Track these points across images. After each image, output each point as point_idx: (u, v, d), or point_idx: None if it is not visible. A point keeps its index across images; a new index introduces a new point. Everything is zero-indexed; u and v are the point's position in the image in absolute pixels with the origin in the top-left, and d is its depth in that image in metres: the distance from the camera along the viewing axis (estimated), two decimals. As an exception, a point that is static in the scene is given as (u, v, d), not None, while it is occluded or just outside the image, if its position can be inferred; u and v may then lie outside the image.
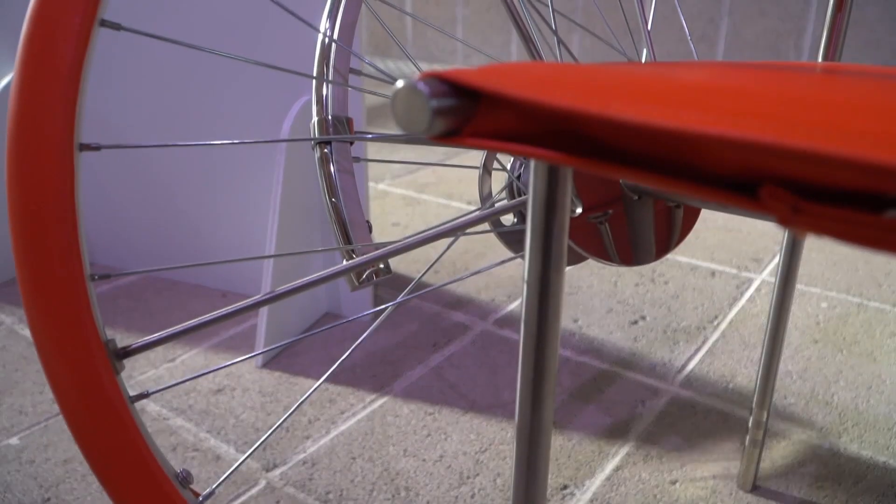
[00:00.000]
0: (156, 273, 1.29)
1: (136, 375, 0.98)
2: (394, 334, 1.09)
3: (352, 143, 0.51)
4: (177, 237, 1.24)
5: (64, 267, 0.38)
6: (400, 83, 0.25)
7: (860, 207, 0.21)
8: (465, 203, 1.66)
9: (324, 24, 0.51)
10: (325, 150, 0.51)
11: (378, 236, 1.45)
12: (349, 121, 0.51)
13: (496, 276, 1.29)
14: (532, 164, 0.30)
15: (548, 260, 0.33)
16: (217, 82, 1.10)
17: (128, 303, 1.18)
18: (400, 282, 1.26)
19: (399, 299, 0.45)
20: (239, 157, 1.14)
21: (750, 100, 0.23)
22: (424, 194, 1.72)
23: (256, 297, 0.43)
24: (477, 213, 0.45)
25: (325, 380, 0.98)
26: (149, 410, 0.91)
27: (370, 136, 0.48)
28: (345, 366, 1.01)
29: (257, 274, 1.20)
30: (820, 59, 0.63)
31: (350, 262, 0.45)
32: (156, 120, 1.16)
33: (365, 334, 0.49)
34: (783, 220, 0.22)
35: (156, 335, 0.41)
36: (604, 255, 0.47)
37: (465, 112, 0.26)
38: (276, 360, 1.02)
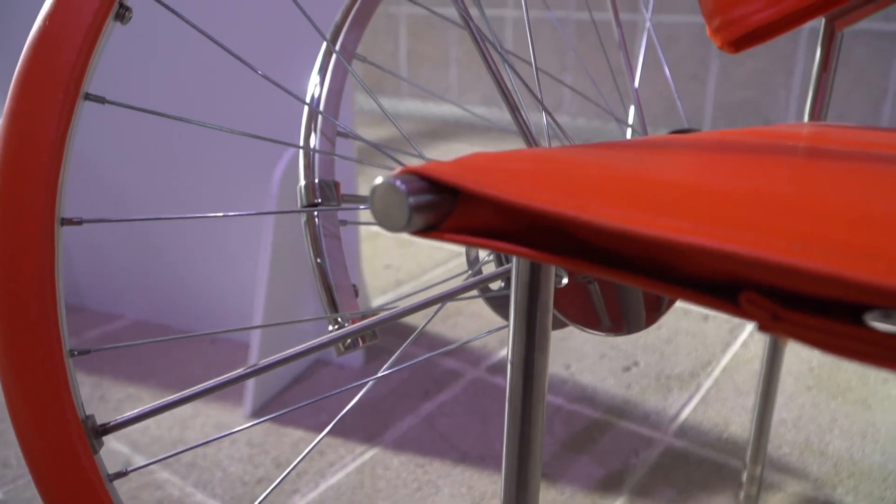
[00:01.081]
0: (144, 318, 1.28)
1: (123, 426, 0.97)
2: (385, 382, 1.08)
3: (338, 207, 0.51)
4: (166, 284, 1.24)
5: (42, 344, 0.37)
6: (378, 180, 0.25)
7: (840, 317, 0.21)
8: (458, 245, 1.66)
9: (311, 89, 0.52)
10: (314, 214, 0.51)
11: (370, 280, 1.45)
12: (336, 185, 0.51)
13: (487, 320, 1.28)
14: (514, 257, 0.30)
15: (531, 340, 0.33)
16: (206, 131, 1.10)
17: (115, 350, 1.17)
18: (391, 324, 1.25)
19: (381, 373, 0.44)
20: (229, 204, 1.14)
21: (729, 202, 0.23)
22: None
23: (241, 371, 0.42)
24: (464, 281, 0.45)
25: (315, 430, 0.97)
26: (135, 462, 0.90)
27: (362, 206, 0.48)
28: (334, 414, 1.00)
29: (247, 319, 1.19)
30: (806, 118, 0.63)
31: (336, 332, 0.44)
32: (145, 168, 1.17)
33: (345, 410, 0.48)
34: (763, 327, 0.22)
35: (136, 412, 0.41)
36: (593, 322, 0.46)
37: (444, 207, 0.26)
38: (265, 411, 1.01)
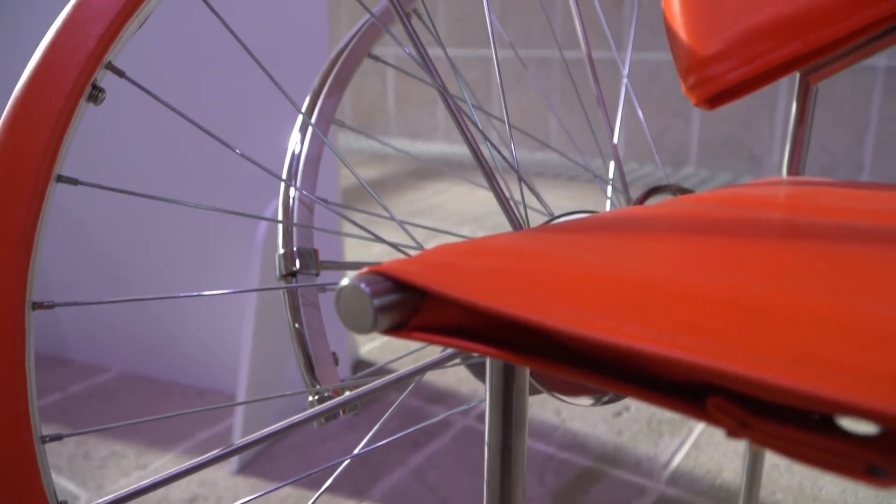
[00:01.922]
0: (131, 370, 1.27)
1: (108, 485, 0.95)
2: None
3: (317, 275, 0.51)
4: (153, 336, 1.23)
5: (12, 431, 0.37)
6: (344, 281, 0.25)
7: (811, 425, 0.21)
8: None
9: (288, 155, 0.52)
10: (292, 282, 0.51)
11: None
12: (315, 252, 0.51)
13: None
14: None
15: (508, 425, 0.33)
16: (191, 180, 1.10)
17: (100, 404, 1.16)
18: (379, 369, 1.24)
19: (357, 451, 0.43)
20: (213, 255, 1.13)
21: (696, 304, 0.23)
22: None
23: (221, 450, 0.42)
24: (442, 351, 0.45)
25: (302, 486, 0.95)
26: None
27: (331, 283, 0.48)
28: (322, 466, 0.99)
29: (233, 372, 1.18)
30: (784, 172, 0.64)
31: (317, 408, 0.44)
32: (129, 223, 1.16)
33: (322, 489, 0.47)
34: (731, 433, 0.22)
35: (118, 494, 0.40)
36: (575, 390, 0.46)
37: (411, 305, 0.26)
38: (252, 465, 1.00)
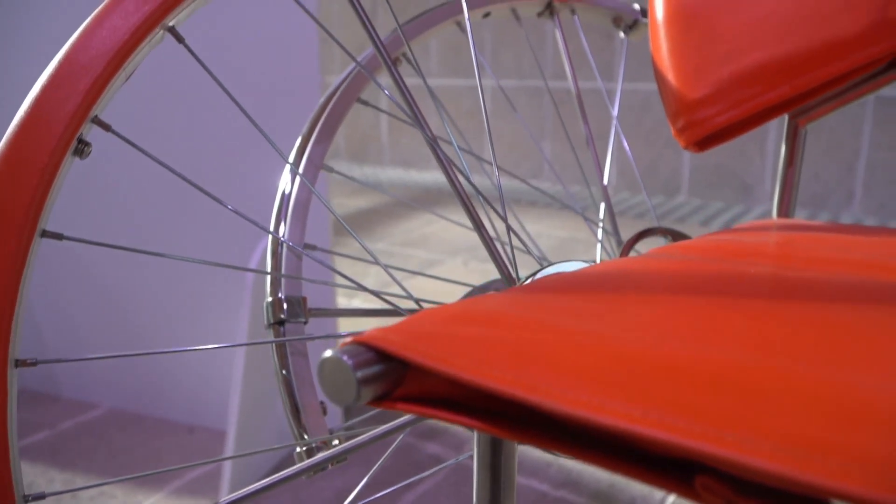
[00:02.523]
0: (121, 406, 1.25)
1: (95, 527, 0.94)
2: (364, 471, 1.06)
3: (306, 323, 0.50)
4: (143, 372, 1.22)
5: (-8, 493, 0.36)
6: (327, 353, 0.25)
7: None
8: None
9: (276, 204, 0.51)
10: (280, 330, 0.51)
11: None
12: (303, 300, 0.50)
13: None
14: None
15: (497, 491, 0.32)
16: (183, 212, 1.10)
17: (90, 441, 1.14)
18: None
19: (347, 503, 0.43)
20: (207, 290, 1.13)
21: (683, 379, 0.23)
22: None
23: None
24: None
25: (293, 526, 0.94)
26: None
27: (319, 336, 0.47)
28: (314, 509, 0.97)
29: (224, 407, 1.17)
30: (774, 213, 0.64)
31: (305, 462, 0.43)
32: (122, 257, 1.16)
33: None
34: (721, 513, 0.21)
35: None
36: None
37: (395, 375, 0.25)
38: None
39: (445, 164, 0.43)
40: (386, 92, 0.47)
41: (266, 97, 1.05)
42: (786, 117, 0.63)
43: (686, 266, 0.37)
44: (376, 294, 0.48)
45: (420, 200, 2.70)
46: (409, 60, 0.61)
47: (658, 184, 2.57)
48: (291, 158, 0.54)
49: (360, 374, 0.24)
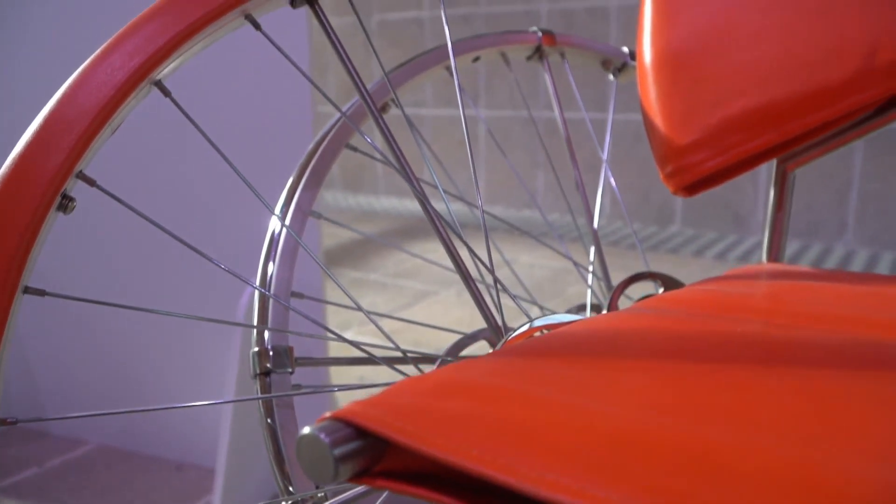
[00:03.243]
0: (109, 443, 1.24)
1: (80, 570, 0.92)
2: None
3: (292, 373, 0.50)
4: (130, 407, 1.20)
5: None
6: (305, 430, 0.24)
7: None
8: (433, 350, 1.64)
9: (265, 250, 0.51)
10: (266, 381, 0.50)
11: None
12: (290, 350, 0.50)
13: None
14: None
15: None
16: (168, 259, 1.10)
17: (78, 479, 1.13)
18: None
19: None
20: (194, 332, 1.12)
21: (667, 460, 0.22)
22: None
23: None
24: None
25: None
26: None
27: (307, 389, 0.47)
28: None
29: (213, 444, 1.16)
30: (764, 257, 0.64)
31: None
32: (114, 291, 1.15)
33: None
34: None
35: None
36: None
37: (375, 450, 0.25)
38: (231, 546, 0.97)
39: (433, 216, 0.43)
40: (373, 144, 0.47)
41: (258, 139, 1.05)
42: (774, 161, 0.63)
43: (673, 326, 0.37)
44: (357, 346, 0.47)
45: (415, 230, 2.70)
46: (396, 104, 0.62)
47: (651, 213, 2.58)
48: (280, 204, 0.54)
49: (337, 451, 0.24)
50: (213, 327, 1.11)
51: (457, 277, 2.09)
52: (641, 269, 2.11)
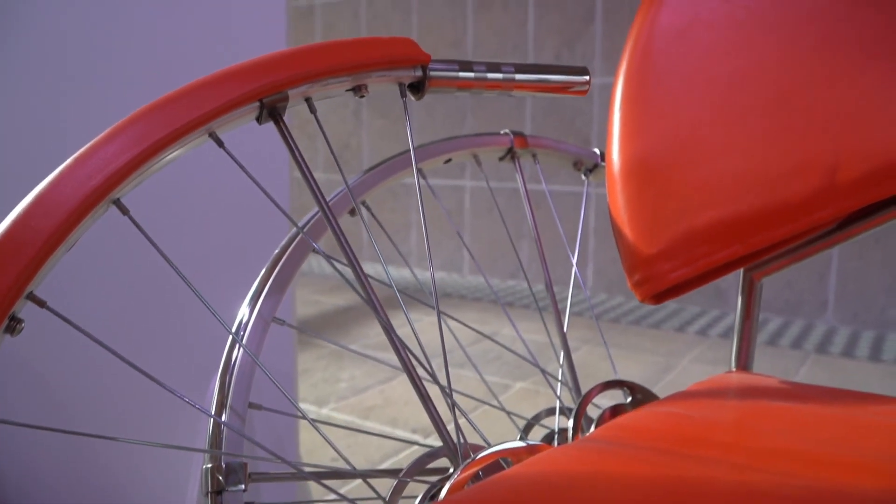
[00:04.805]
0: (72, 526, 1.20)
1: None
2: None
3: (245, 490, 0.49)
4: (98, 485, 1.17)
5: None
6: None
7: None
8: (409, 430, 1.62)
9: (221, 369, 0.50)
10: (218, 500, 0.49)
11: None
12: (244, 466, 0.49)
13: None
14: None
15: None
16: (141, 333, 1.09)
17: (36, 566, 1.09)
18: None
19: None
20: (163, 411, 1.10)
21: None
22: (369, 420, 1.67)
23: None
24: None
25: None
26: None
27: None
28: None
29: (181, 530, 1.12)
30: (733, 364, 0.64)
31: None
32: (86, 378, 1.13)
33: None
34: None
35: None
36: None
37: None
38: None
39: (399, 348, 0.43)
40: (330, 260, 0.47)
41: (236, 228, 1.06)
42: (741, 274, 0.64)
43: (626, 469, 0.36)
44: (316, 479, 0.46)
45: (397, 300, 2.69)
46: (367, 208, 0.62)
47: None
48: (243, 311, 0.54)
49: None
50: (184, 418, 1.09)
51: (438, 351, 2.07)
52: (620, 343, 2.10)
